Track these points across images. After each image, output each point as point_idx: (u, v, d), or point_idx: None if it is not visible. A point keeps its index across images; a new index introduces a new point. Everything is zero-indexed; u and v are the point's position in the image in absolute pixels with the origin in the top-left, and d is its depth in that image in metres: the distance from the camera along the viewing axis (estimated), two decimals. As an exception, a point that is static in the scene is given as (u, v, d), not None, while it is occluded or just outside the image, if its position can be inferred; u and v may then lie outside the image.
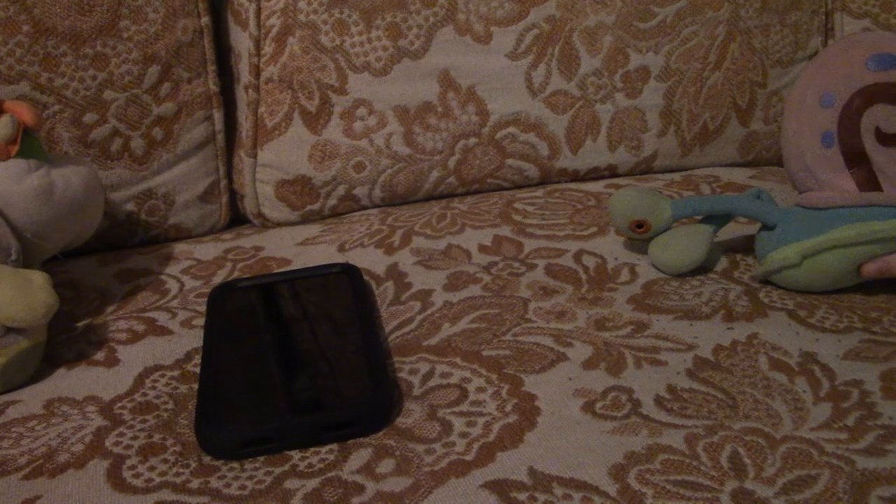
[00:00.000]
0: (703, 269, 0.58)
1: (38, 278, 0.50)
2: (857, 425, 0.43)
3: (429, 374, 0.49)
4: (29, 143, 0.55)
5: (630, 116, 0.75)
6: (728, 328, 0.51)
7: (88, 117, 0.66)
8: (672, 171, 0.78)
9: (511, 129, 0.73)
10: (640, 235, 0.59)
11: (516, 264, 0.60)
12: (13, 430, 0.47)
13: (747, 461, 0.41)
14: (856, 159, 0.54)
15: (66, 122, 0.65)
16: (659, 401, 0.45)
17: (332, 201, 0.72)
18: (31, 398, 0.50)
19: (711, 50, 0.75)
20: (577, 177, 0.76)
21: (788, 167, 0.58)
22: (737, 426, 0.43)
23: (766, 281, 0.56)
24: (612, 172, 0.76)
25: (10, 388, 0.50)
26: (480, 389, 0.47)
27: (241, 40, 0.70)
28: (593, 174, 0.76)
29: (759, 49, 0.77)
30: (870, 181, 0.54)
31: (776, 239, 0.55)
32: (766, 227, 0.56)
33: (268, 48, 0.69)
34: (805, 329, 0.51)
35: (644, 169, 0.77)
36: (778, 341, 0.50)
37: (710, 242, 0.57)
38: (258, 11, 0.69)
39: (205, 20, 0.69)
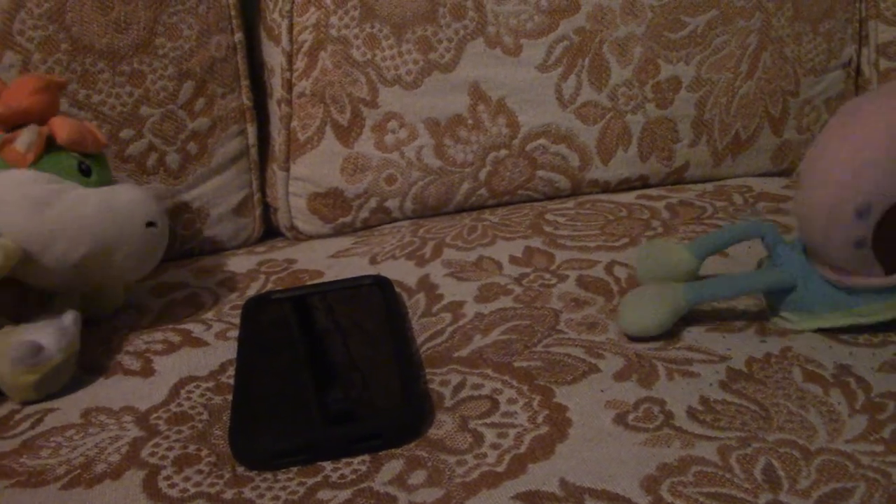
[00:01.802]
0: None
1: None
2: (894, 438, 0.42)
3: (460, 386, 0.49)
4: (55, 159, 0.55)
5: (661, 127, 0.75)
6: (761, 341, 0.51)
7: (125, 133, 0.67)
8: (704, 181, 0.77)
9: (541, 141, 0.73)
10: None
11: (547, 276, 0.60)
12: (52, 439, 0.48)
13: (781, 473, 0.41)
14: (888, 255, 0.49)
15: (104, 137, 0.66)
16: (692, 412, 0.45)
17: (363, 214, 0.73)
18: (69, 406, 0.50)
19: (743, 59, 0.75)
20: (608, 188, 0.76)
21: (813, 235, 0.50)
22: (771, 438, 0.43)
23: None
24: (643, 183, 0.76)
25: (45, 395, 0.51)
26: (511, 401, 0.47)
27: (273, 55, 0.71)
28: (625, 185, 0.76)
29: (791, 58, 0.76)
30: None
31: (792, 303, 0.51)
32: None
33: (300, 63, 0.70)
34: (839, 343, 0.50)
35: (676, 179, 0.77)
36: (812, 354, 0.49)
37: (678, 309, 0.52)
38: (290, 27, 0.69)
39: (238, 36, 0.70)
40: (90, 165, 0.56)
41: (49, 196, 0.52)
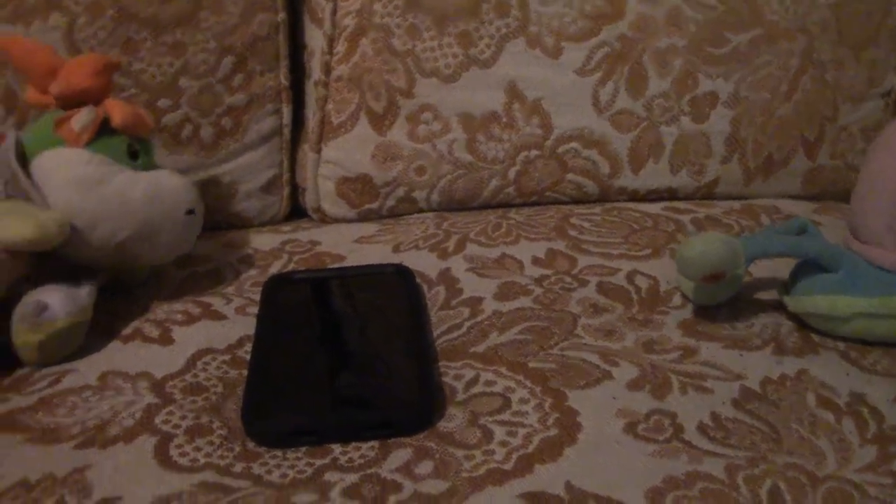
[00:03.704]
0: (755, 300, 0.58)
1: (49, 212, 0.52)
2: (903, 471, 0.42)
3: (473, 381, 0.49)
4: (108, 142, 0.56)
5: (694, 141, 0.74)
6: (777, 362, 0.51)
7: (162, 102, 0.67)
8: (733, 198, 0.77)
9: (574, 145, 0.73)
10: (708, 285, 0.54)
11: (568, 279, 0.61)
12: (69, 399, 0.48)
13: (787, 497, 0.41)
14: None
15: (141, 105, 0.67)
16: (702, 428, 0.45)
17: (390, 202, 0.73)
18: (87, 368, 0.51)
19: (783, 81, 0.75)
20: (636, 197, 0.76)
21: (868, 213, 0.53)
22: (779, 461, 0.43)
23: (794, 315, 0.55)
24: (671, 195, 0.76)
25: (50, 362, 0.52)
26: (523, 400, 0.48)
27: (315, 38, 0.71)
28: (653, 195, 0.76)
29: (831, 83, 0.76)
30: None
31: (831, 284, 0.53)
32: (818, 265, 0.54)
33: (340, 47, 0.70)
34: (856, 370, 0.50)
35: (705, 194, 0.76)
36: (827, 380, 0.49)
37: (735, 250, 0.52)
38: (334, 10, 0.70)
39: (281, 16, 0.71)
40: (138, 149, 0.58)
41: (100, 177, 0.54)
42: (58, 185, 0.53)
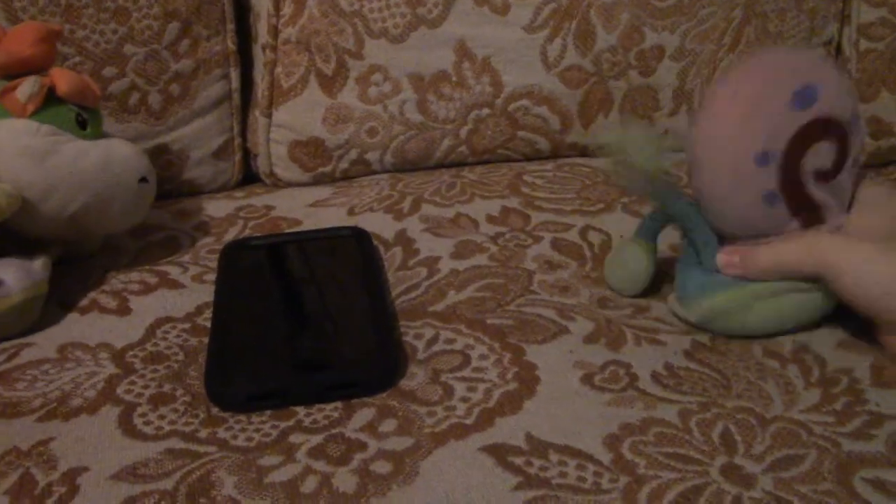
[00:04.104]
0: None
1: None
2: (845, 410, 0.44)
3: (433, 340, 0.50)
4: (55, 111, 0.55)
5: (643, 94, 0.75)
6: None
7: (108, 70, 0.66)
8: (682, 151, 0.78)
9: (524, 102, 0.74)
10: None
11: (523, 236, 0.61)
12: (28, 372, 0.48)
13: (738, 438, 0.42)
14: (802, 207, 0.49)
15: (86, 74, 0.65)
16: (656, 377, 0.47)
17: (343, 165, 0.73)
18: (45, 342, 0.51)
19: (727, 32, 0.76)
20: (586, 152, 0.77)
21: (723, 216, 0.50)
22: (729, 404, 0.45)
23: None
24: (621, 149, 0.77)
25: (7, 336, 0.51)
26: (483, 357, 0.49)
27: (261, 0, 0.71)
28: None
29: (774, 33, 0.77)
30: (814, 219, 0.49)
31: (716, 279, 0.50)
32: (694, 262, 0.51)
33: (287, 9, 0.69)
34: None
35: (653, 147, 0.78)
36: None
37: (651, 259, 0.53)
38: (279, -28, 0.69)
39: (226, -22, 0.70)
40: (86, 118, 0.57)
41: (49, 148, 0.53)
42: (6, 157, 0.52)
